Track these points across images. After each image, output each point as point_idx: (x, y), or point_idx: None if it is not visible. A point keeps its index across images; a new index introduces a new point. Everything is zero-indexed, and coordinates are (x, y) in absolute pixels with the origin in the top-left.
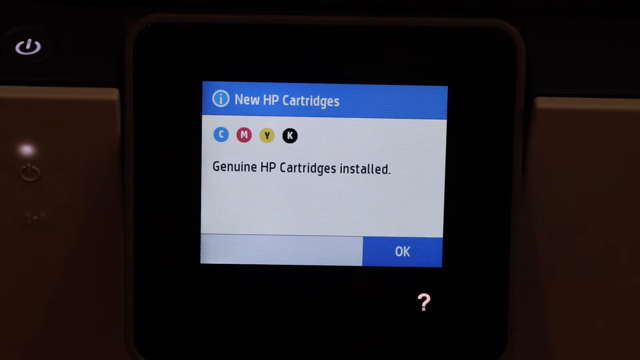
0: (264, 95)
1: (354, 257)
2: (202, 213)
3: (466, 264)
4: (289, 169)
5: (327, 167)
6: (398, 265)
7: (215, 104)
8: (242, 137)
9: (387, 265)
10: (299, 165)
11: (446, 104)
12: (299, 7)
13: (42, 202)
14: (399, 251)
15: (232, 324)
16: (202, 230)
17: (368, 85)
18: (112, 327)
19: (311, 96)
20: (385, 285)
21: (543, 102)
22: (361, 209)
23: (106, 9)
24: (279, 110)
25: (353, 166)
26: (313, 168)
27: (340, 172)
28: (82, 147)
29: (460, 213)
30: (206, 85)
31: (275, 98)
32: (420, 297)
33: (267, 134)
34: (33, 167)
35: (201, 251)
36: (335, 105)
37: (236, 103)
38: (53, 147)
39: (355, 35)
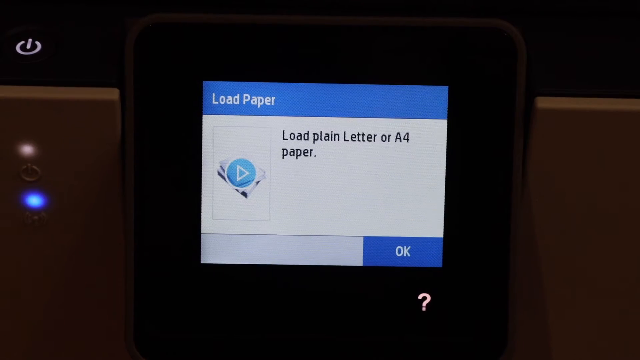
0: (264, 95)
1: (354, 257)
2: (202, 213)
3: (466, 264)
4: (289, 169)
5: (326, 167)
6: (398, 265)
7: (216, 103)
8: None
9: (388, 265)
10: (299, 165)
11: (447, 104)
12: (299, 7)
13: (43, 202)
14: (399, 251)
15: (232, 323)
16: (203, 230)
17: (368, 85)
18: (113, 327)
19: (311, 96)
20: (385, 285)
21: (543, 102)
22: (361, 209)
23: (107, 9)
24: (279, 110)
25: (353, 166)
26: (313, 168)
27: (340, 171)
28: (83, 147)
29: (461, 213)
30: (206, 85)
31: (274, 98)
32: (420, 297)
33: (267, 134)
34: (33, 167)
35: (201, 251)
36: (335, 105)
37: (236, 103)
38: (53, 147)
39: (355, 35)
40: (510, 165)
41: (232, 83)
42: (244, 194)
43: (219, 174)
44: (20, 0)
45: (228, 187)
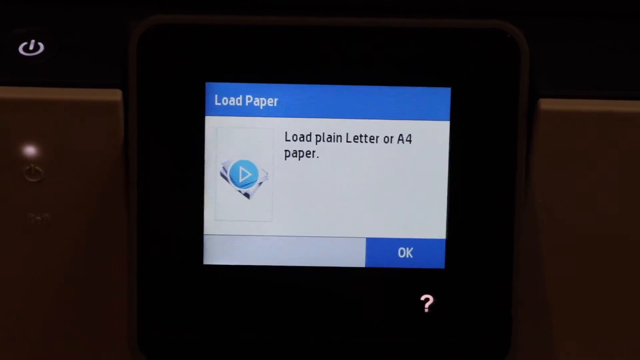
0: (266, 97)
1: (356, 258)
2: (205, 214)
3: (469, 265)
4: (291, 170)
5: (329, 169)
6: (401, 267)
7: (218, 105)
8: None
9: (390, 267)
10: (301, 166)
11: (449, 106)
12: (301, 9)
13: (46, 203)
14: (401, 252)
15: (234, 324)
16: (205, 231)
17: (371, 86)
18: (116, 328)
19: (313, 97)
20: (388, 286)
21: (546, 104)
22: (364, 210)
23: (109, 10)
24: (281, 111)
25: (355, 167)
26: (315, 169)
27: (343, 172)
28: (86, 148)
29: (464, 214)
30: (209, 86)
31: (277, 99)
32: (423, 298)
33: (269, 135)
34: (37, 167)
35: (204, 252)
36: (337, 106)
37: (239, 104)
38: (56, 148)
39: (357, 36)
40: (513, 166)
41: (234, 84)
42: (247, 195)
43: (222, 175)
44: (23, 1)
45: (230, 188)
